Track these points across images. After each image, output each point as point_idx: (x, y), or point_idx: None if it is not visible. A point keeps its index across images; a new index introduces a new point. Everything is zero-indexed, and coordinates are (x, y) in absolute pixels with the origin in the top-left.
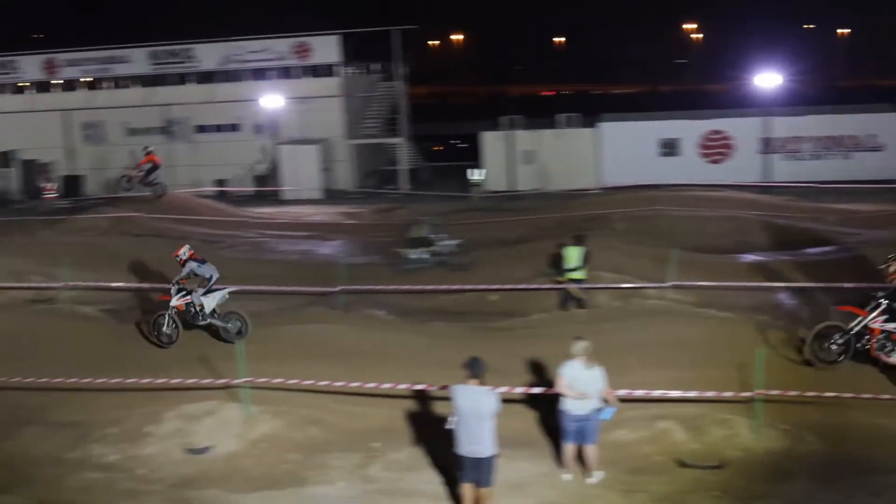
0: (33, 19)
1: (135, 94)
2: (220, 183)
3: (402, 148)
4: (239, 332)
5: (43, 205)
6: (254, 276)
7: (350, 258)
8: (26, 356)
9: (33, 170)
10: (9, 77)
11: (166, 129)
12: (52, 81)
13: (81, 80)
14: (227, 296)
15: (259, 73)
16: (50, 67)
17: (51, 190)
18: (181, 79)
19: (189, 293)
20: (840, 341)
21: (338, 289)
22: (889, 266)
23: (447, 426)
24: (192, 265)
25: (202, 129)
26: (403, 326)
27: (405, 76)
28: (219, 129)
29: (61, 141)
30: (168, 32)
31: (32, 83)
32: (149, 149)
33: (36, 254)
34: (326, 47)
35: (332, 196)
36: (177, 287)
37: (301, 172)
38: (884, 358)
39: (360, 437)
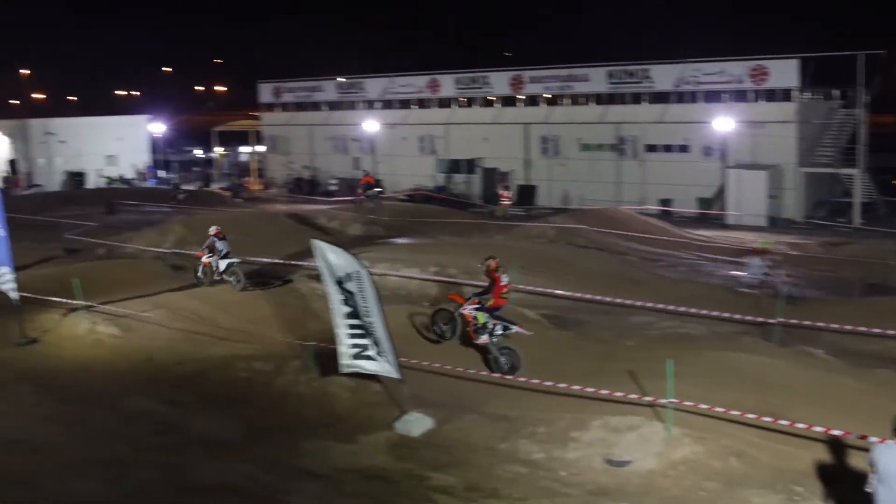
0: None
1: (590, 111)
2: (665, 202)
3: (857, 179)
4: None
5: (499, 210)
6: (687, 297)
7: (791, 290)
8: (473, 349)
9: (493, 177)
10: (480, 91)
11: (617, 147)
12: (517, 96)
13: (543, 95)
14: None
15: (712, 96)
16: (516, 83)
17: (507, 197)
18: (635, 98)
19: None
20: (446, 323)
21: (775, 321)
22: (488, 265)
23: (866, 488)
24: (213, 240)
25: (651, 148)
26: (843, 369)
27: (867, 103)
28: (668, 149)
29: (520, 152)
30: (625, 53)
31: (499, 97)
32: (366, 171)
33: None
34: (784, 71)
35: (777, 224)
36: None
37: (747, 198)
38: (474, 338)
39: (782, 477)
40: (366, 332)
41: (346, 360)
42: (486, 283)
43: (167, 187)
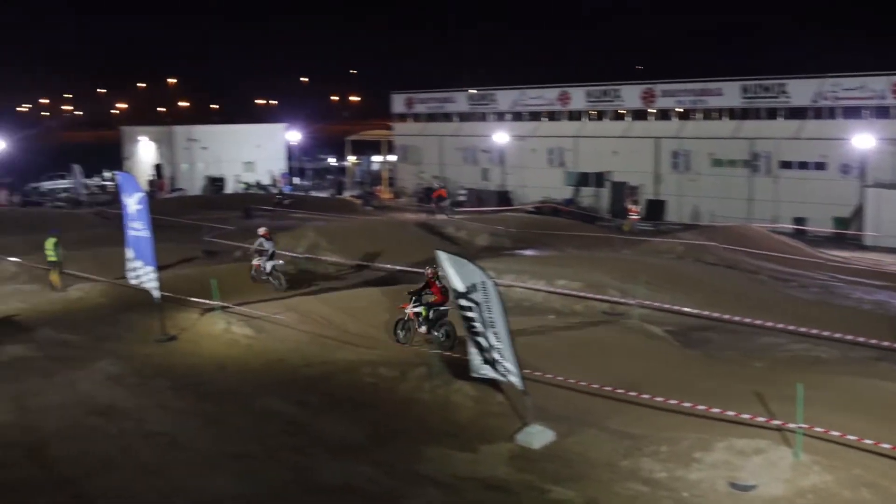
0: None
1: (723, 126)
2: (799, 221)
3: None
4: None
5: (627, 224)
6: (820, 319)
7: None
8: (597, 363)
9: (622, 191)
10: (611, 104)
11: (750, 163)
12: (648, 110)
13: (675, 110)
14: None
15: (851, 111)
16: (648, 97)
17: (635, 212)
18: (770, 113)
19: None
20: (402, 328)
21: None
22: (427, 274)
23: None
24: (261, 241)
25: (786, 164)
26: None
27: None
28: (803, 166)
29: (650, 166)
30: (760, 66)
31: (630, 111)
32: (440, 184)
33: (615, 269)
34: None
35: None
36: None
37: (887, 218)
38: (420, 332)
39: None
40: (490, 341)
41: (473, 367)
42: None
43: (288, 194)
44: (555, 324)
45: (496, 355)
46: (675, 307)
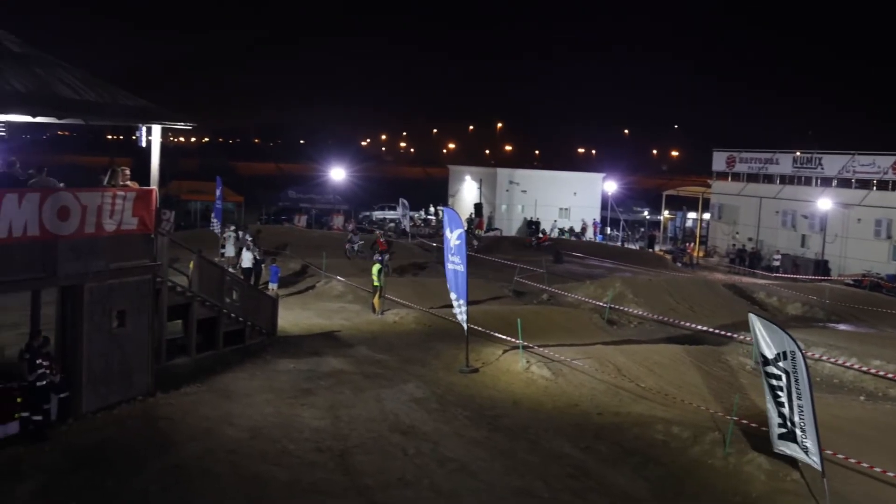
0: None
1: None
2: None
3: None
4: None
5: None
6: None
7: None
8: None
9: None
10: None
11: None
12: None
13: None
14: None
15: None
16: None
17: None
18: None
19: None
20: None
21: None
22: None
23: None
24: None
25: None
26: None
27: None
28: None
29: None
30: None
31: None
32: (383, 234)
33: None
34: None
35: None
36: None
37: None
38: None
39: None
40: (793, 414)
41: (773, 440)
42: None
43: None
44: (864, 406)
45: (798, 430)
46: None
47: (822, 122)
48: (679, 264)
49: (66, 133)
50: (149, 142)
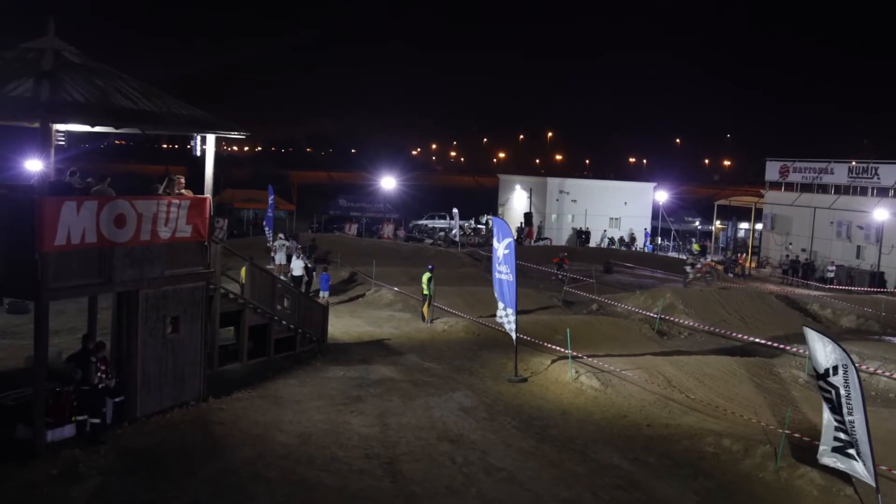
0: None
1: None
2: None
3: None
4: None
5: None
6: None
7: None
8: None
9: None
10: None
11: None
12: None
13: None
14: None
15: None
16: None
17: None
18: None
19: None
20: None
21: None
22: None
23: None
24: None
25: None
26: None
27: None
28: None
29: None
30: None
31: None
32: None
33: None
34: None
35: None
36: None
37: None
38: None
39: None
40: (846, 428)
41: (824, 453)
42: None
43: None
44: None
45: (851, 444)
46: None
47: (877, 133)
48: (731, 275)
49: (123, 142)
50: (203, 150)
